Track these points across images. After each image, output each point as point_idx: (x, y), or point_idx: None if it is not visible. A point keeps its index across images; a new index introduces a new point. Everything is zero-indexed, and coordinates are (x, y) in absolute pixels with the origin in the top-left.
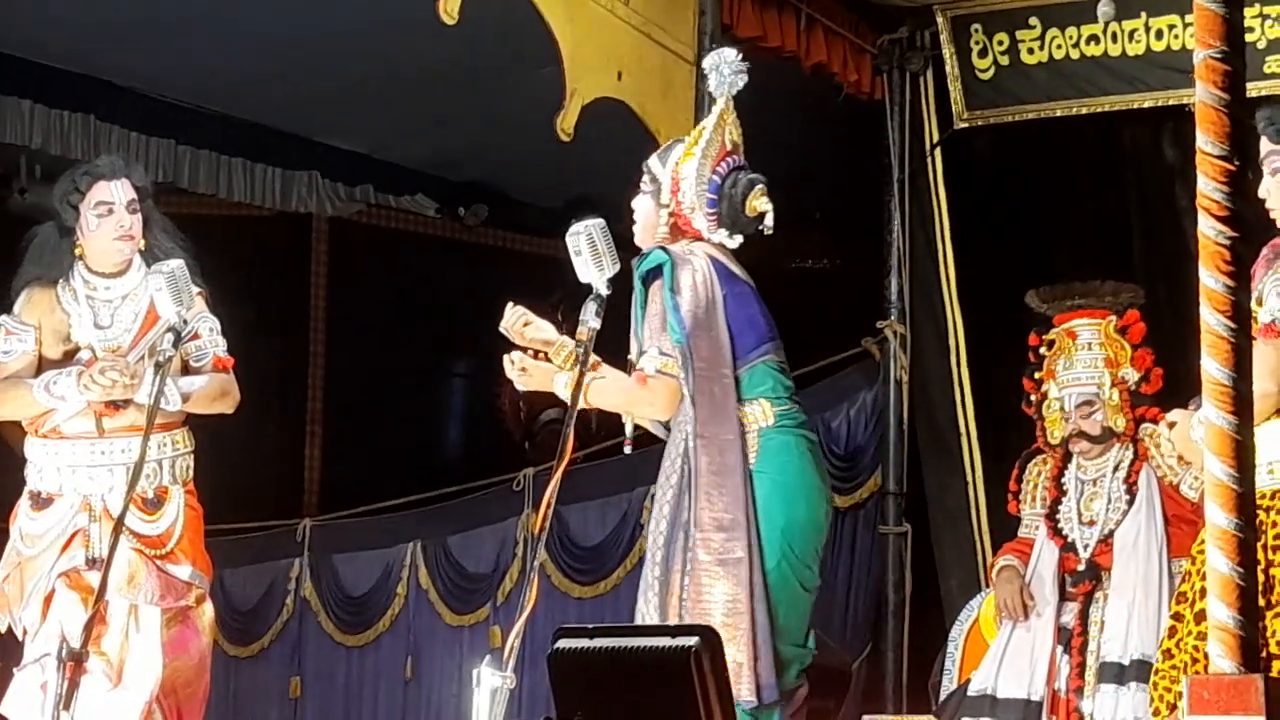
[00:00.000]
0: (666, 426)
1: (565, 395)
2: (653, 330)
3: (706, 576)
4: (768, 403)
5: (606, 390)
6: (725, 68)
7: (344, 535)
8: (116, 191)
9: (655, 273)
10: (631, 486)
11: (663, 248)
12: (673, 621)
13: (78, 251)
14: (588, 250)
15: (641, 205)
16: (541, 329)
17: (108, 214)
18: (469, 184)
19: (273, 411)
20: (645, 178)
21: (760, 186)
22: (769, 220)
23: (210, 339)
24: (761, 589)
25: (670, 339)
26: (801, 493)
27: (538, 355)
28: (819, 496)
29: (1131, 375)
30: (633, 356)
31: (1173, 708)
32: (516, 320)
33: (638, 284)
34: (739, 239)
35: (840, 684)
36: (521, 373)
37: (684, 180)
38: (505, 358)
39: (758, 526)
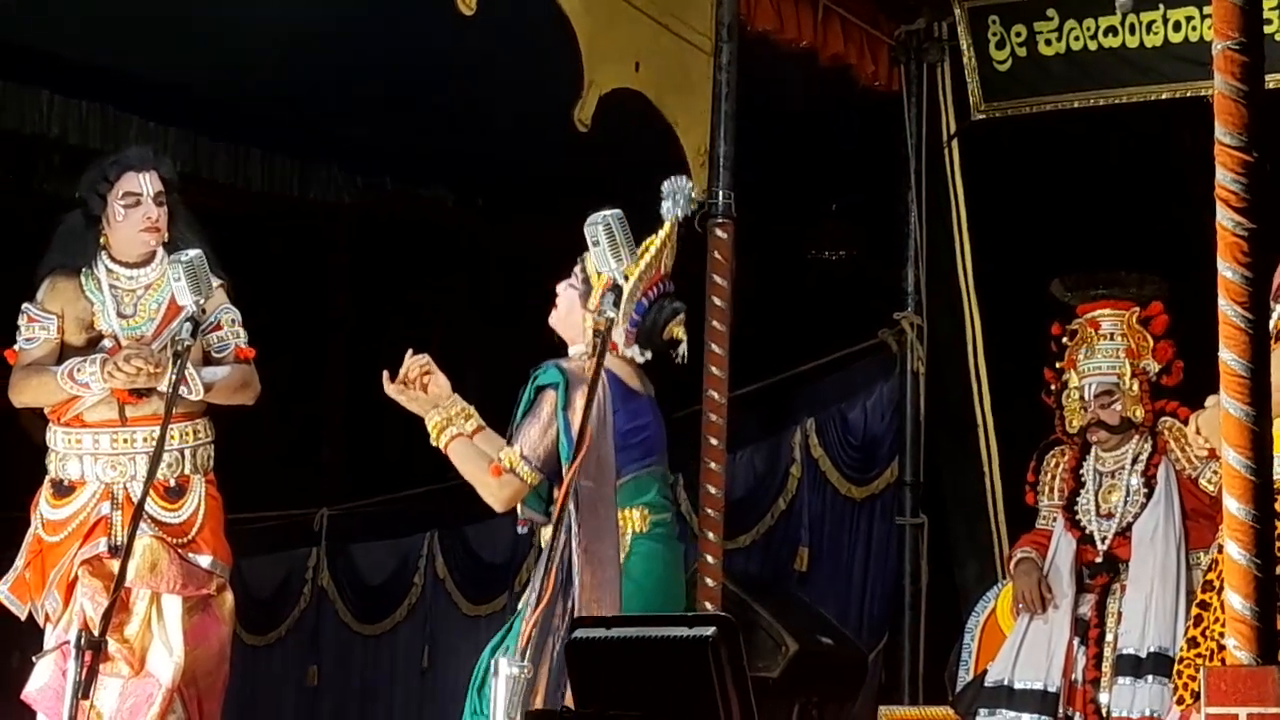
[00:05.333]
0: (547, 514)
1: (432, 434)
2: (525, 432)
3: None
4: (646, 510)
5: (467, 455)
6: (680, 195)
7: (361, 525)
8: (145, 183)
9: (550, 385)
10: None
11: (558, 366)
12: (535, 707)
13: (102, 240)
14: (605, 241)
15: (567, 297)
16: (439, 383)
17: (135, 205)
18: (486, 174)
19: (291, 401)
20: (577, 272)
21: (681, 316)
22: (683, 349)
23: (232, 330)
24: None
25: (531, 446)
26: (658, 601)
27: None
28: (675, 605)
29: (1152, 367)
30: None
31: (1197, 696)
32: (417, 368)
33: (529, 387)
34: (649, 354)
35: (857, 675)
36: (402, 388)
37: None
38: (385, 376)
39: None
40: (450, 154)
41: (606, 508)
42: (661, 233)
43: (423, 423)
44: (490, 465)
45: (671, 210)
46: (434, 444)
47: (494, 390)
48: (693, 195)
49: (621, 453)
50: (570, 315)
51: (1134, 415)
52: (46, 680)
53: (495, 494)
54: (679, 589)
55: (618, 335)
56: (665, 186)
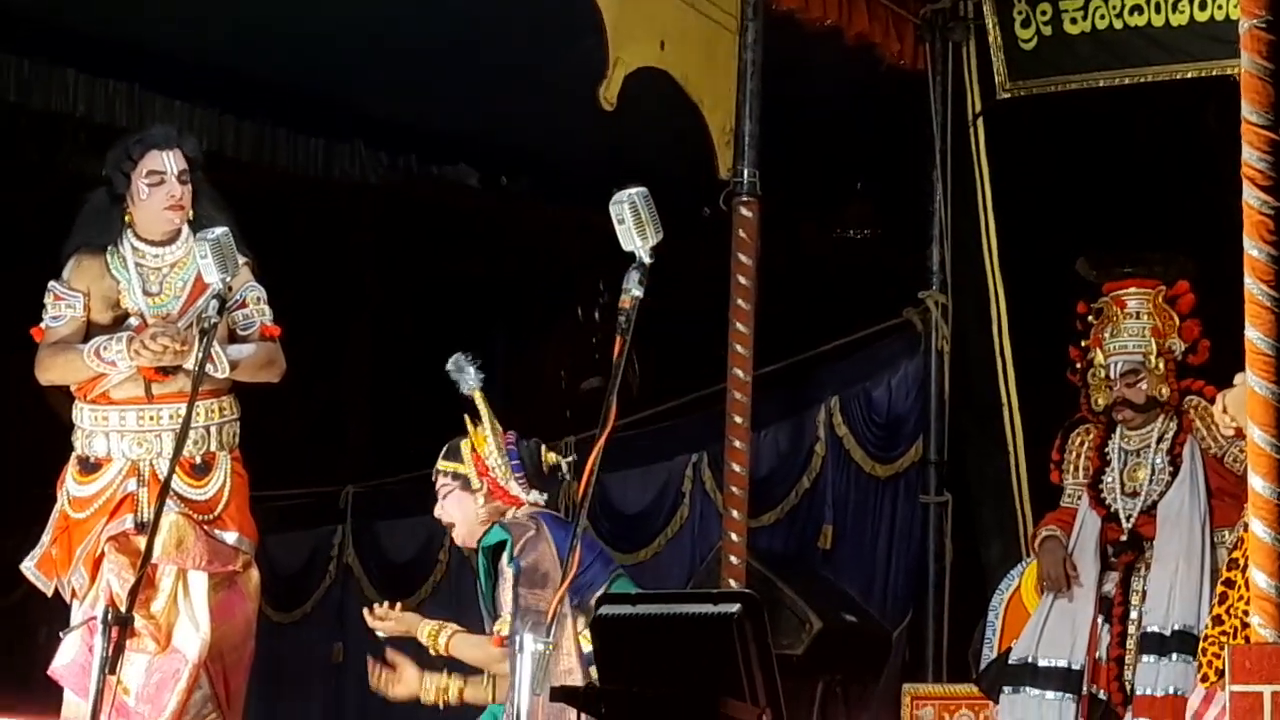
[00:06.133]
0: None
1: (429, 642)
2: (501, 599)
3: None
4: None
5: (470, 643)
6: (463, 373)
7: (386, 502)
8: (169, 161)
9: (499, 547)
10: (672, 455)
11: (500, 524)
12: None
13: (127, 218)
14: (631, 219)
15: (452, 503)
16: (403, 619)
17: (159, 183)
18: (511, 153)
19: (316, 379)
20: (443, 480)
21: (543, 445)
22: (564, 468)
23: (257, 308)
24: None
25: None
26: None
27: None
28: None
29: (1178, 346)
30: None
31: (1221, 674)
32: (381, 619)
33: (482, 558)
34: (546, 495)
35: (881, 653)
36: (383, 621)
37: (488, 458)
38: (366, 611)
39: None
40: (475, 133)
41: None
42: (483, 411)
43: (447, 400)
44: (493, 639)
45: (465, 385)
46: (436, 651)
47: (525, 364)
48: (474, 369)
49: (596, 566)
50: (466, 511)
51: (1160, 394)
52: (73, 656)
53: (506, 663)
54: None
55: (514, 489)
56: (451, 364)
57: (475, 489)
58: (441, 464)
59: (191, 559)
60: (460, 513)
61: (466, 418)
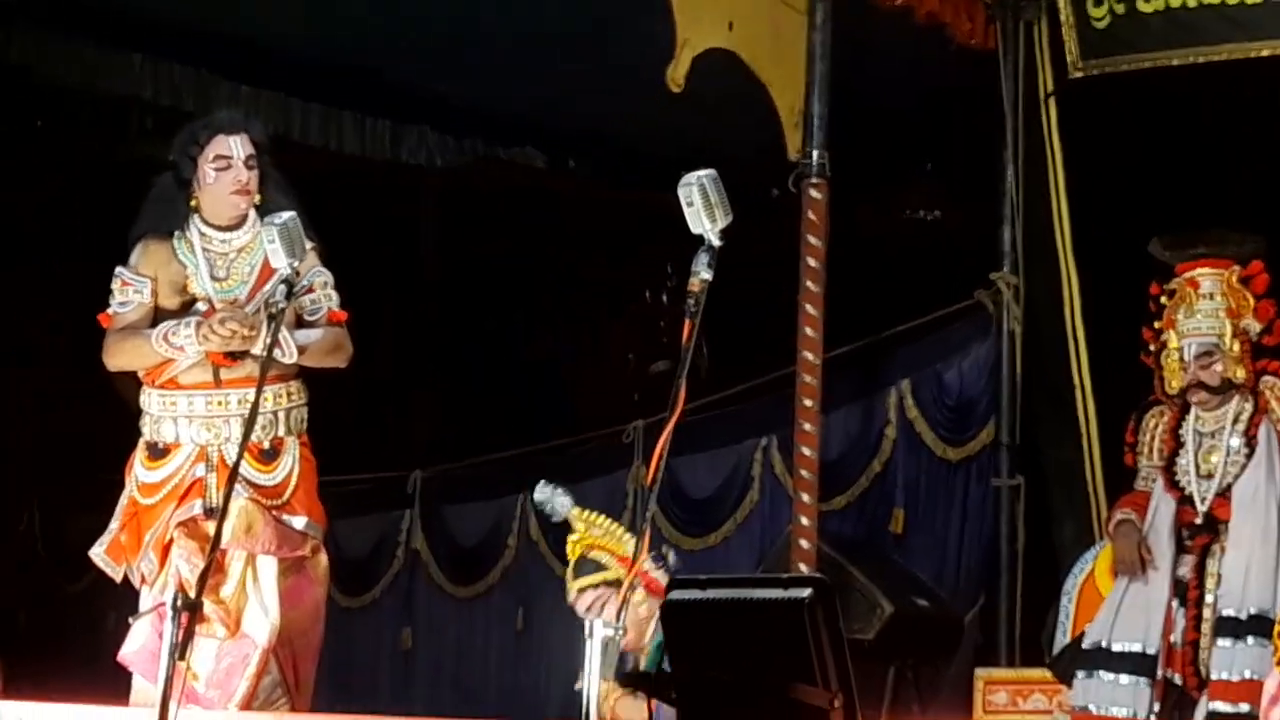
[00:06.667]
0: None
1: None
2: None
3: None
4: None
5: (632, 705)
6: (551, 504)
7: (454, 487)
8: (235, 146)
9: None
10: (741, 439)
11: None
12: None
13: (193, 204)
14: (700, 201)
15: (612, 610)
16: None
17: (225, 168)
18: (578, 136)
19: (383, 364)
20: (591, 595)
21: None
22: (672, 558)
23: (324, 293)
24: None
25: None
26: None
27: None
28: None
29: (1253, 326)
30: None
31: None
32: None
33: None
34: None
35: (953, 637)
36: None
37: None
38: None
39: None
40: (541, 116)
41: None
42: (600, 519)
43: (514, 384)
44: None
45: (561, 509)
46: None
47: (593, 348)
48: (562, 490)
49: None
50: (636, 615)
51: (1235, 376)
52: (143, 642)
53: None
54: None
55: (661, 577)
56: (539, 497)
57: (632, 585)
58: (582, 582)
59: (260, 544)
60: (630, 619)
61: (571, 541)
